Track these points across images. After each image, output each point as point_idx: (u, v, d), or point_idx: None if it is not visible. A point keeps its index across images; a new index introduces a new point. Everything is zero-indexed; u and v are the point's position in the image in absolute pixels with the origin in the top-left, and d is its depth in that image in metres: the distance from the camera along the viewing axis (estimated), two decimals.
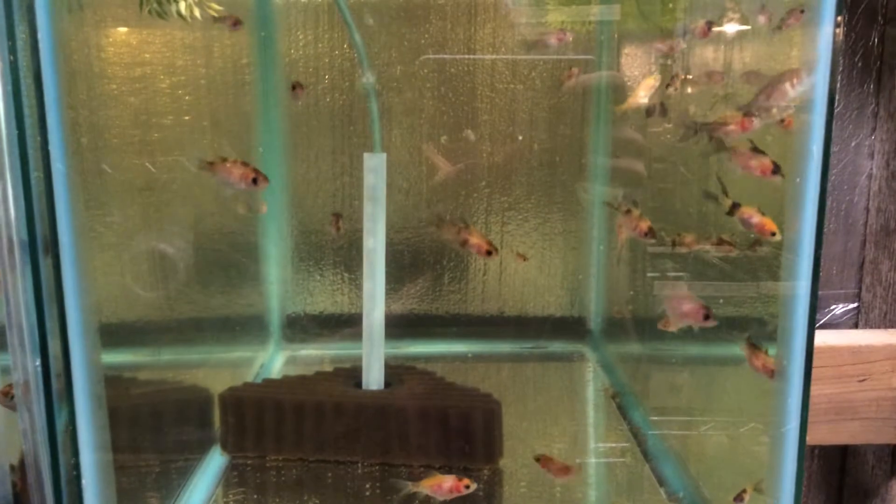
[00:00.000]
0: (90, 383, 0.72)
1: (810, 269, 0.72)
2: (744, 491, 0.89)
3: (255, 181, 0.93)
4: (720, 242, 0.99)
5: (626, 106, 1.21)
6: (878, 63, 1.46)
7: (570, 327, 1.55)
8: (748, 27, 1.01)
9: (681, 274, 1.10)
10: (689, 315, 0.91)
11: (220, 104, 1.33)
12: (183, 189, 1.15)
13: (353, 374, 1.15)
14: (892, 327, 1.45)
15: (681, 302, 0.93)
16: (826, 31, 0.65)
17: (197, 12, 0.93)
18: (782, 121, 0.76)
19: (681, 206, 1.21)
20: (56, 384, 0.68)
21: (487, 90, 1.46)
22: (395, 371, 1.17)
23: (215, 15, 1.02)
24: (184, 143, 1.20)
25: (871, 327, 1.52)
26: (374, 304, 1.12)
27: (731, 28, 1.05)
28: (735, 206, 0.85)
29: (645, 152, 1.27)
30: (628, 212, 1.03)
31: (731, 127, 0.80)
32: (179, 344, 1.16)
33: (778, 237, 0.79)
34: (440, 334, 1.54)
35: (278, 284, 1.52)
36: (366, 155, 1.12)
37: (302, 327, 1.53)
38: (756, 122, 0.77)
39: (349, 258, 1.50)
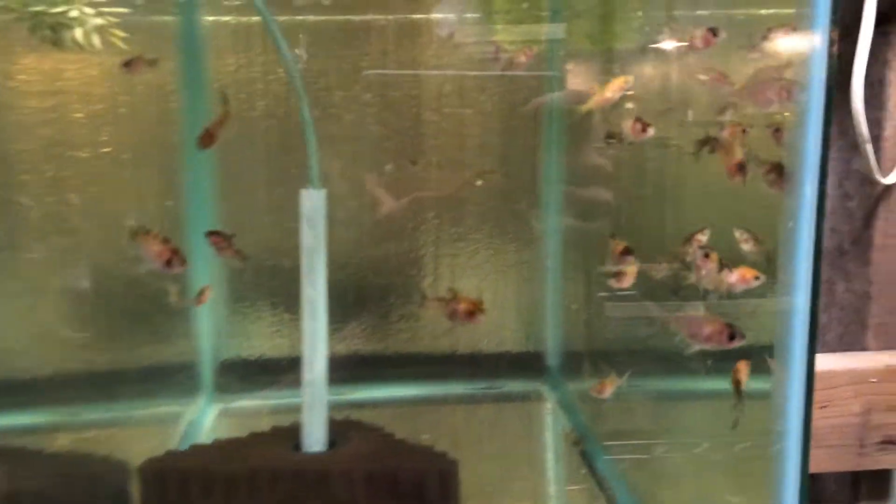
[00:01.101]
0: None
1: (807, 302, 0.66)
2: None
3: (168, 263, 0.82)
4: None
5: (593, 105, 1.15)
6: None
7: (526, 363, 1.47)
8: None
9: (632, 292, 1.05)
10: (712, 338, 0.82)
11: (142, 134, 1.23)
12: (100, 226, 1.04)
13: (292, 433, 1.04)
14: (849, 349, 1.42)
15: (699, 325, 0.84)
16: (819, 47, 0.57)
17: (96, 40, 0.82)
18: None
19: (642, 224, 1.16)
20: None
21: (434, 115, 1.39)
22: (340, 427, 1.07)
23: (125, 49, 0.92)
24: (102, 177, 1.10)
25: (828, 349, 1.50)
26: (315, 356, 1.01)
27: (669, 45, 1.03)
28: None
29: (607, 176, 1.22)
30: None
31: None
32: (89, 402, 1.03)
33: (762, 280, 0.74)
34: (388, 376, 1.44)
35: (210, 328, 1.41)
36: (302, 192, 1.01)
37: (238, 375, 1.41)
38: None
39: (289, 298, 1.39)
